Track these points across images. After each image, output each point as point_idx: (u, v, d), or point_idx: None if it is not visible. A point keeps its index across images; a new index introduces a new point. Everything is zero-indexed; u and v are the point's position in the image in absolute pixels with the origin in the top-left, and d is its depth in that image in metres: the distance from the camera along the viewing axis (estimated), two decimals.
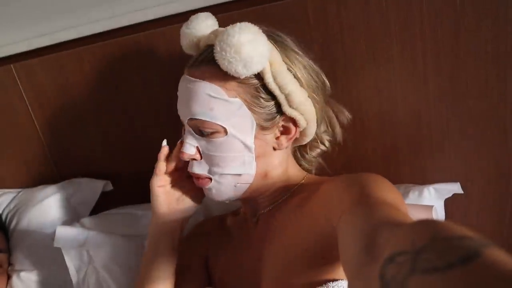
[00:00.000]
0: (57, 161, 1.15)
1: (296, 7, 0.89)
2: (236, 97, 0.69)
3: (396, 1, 0.86)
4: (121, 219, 1.01)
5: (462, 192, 0.90)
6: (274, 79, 0.69)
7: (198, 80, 0.70)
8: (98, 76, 1.04)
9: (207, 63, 0.70)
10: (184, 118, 0.73)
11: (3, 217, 1.13)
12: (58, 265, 0.98)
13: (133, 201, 1.11)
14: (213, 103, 0.69)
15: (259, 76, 0.69)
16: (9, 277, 1.01)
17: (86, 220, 1.02)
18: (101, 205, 1.12)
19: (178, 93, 0.74)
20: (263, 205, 0.79)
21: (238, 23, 0.66)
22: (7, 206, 1.15)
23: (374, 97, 0.93)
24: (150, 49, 1.00)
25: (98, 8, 1.02)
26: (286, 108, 0.71)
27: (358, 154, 0.97)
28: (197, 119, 0.70)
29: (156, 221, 0.80)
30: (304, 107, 0.72)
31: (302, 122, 0.74)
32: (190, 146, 0.73)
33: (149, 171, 1.10)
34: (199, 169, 0.74)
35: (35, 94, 1.09)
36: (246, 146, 0.72)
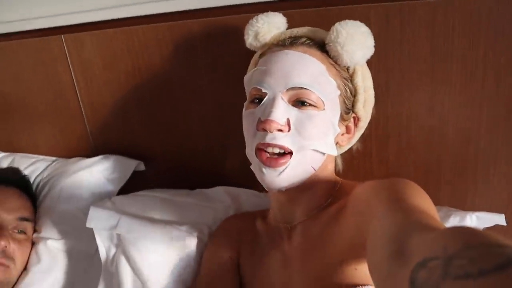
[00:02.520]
0: (94, 135, 1.16)
1: (358, 14, 0.87)
2: (334, 80, 0.74)
3: (463, 22, 0.83)
4: (152, 202, 1.01)
5: (505, 224, 0.88)
6: (362, 79, 0.78)
7: (308, 55, 0.73)
8: (145, 56, 1.04)
9: (310, 46, 0.75)
10: (280, 88, 0.71)
11: (35, 184, 1.15)
12: (85, 238, 0.99)
13: (163, 185, 1.11)
14: (321, 78, 0.72)
15: (348, 73, 0.77)
16: (33, 244, 1.02)
17: (118, 199, 1.02)
18: (131, 184, 1.13)
19: (269, 66, 0.73)
20: (301, 213, 0.77)
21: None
22: (40, 174, 1.16)
23: (424, 114, 0.91)
24: (200, 36, 0.99)
25: None
26: (360, 108, 0.78)
27: (399, 168, 0.96)
28: (304, 88, 0.71)
29: None
30: (370, 113, 0.81)
31: (363, 125, 0.82)
32: (281, 116, 0.70)
33: (183, 157, 1.11)
34: (284, 141, 0.70)
35: (81, 68, 1.09)
36: (333, 126, 0.74)
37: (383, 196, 0.60)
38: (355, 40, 0.73)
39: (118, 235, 0.91)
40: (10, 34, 1.13)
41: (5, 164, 1.19)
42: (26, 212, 1.03)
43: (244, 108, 0.78)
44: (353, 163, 0.96)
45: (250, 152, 0.75)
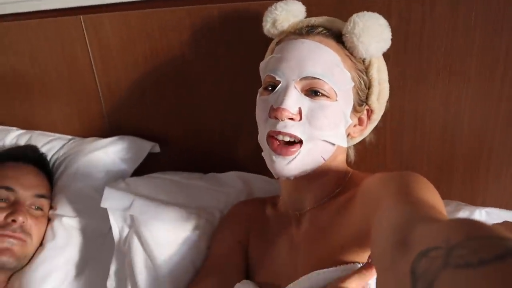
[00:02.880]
0: (110, 116, 1.18)
1: (379, 6, 0.86)
2: (349, 71, 0.74)
3: (486, 20, 0.82)
4: (165, 185, 1.03)
5: None
6: (378, 72, 0.77)
7: (323, 45, 0.73)
8: (163, 40, 1.04)
9: (326, 36, 0.75)
10: (293, 77, 0.72)
11: (51, 162, 1.17)
12: (99, 217, 1.01)
13: (176, 168, 1.13)
14: (335, 69, 0.72)
15: (364, 65, 0.77)
16: (49, 220, 1.05)
17: (131, 181, 1.04)
18: (146, 166, 1.15)
19: (285, 53, 0.74)
20: (310, 201, 0.79)
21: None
22: (56, 152, 1.19)
23: (440, 111, 0.91)
24: (219, 21, 0.99)
25: None
26: (374, 100, 0.78)
27: (412, 161, 0.96)
28: (317, 78, 0.71)
29: None
30: (384, 105, 0.81)
31: (376, 117, 0.81)
32: (293, 105, 0.71)
33: (197, 141, 1.12)
34: (295, 129, 0.71)
35: (99, 49, 1.10)
36: (345, 117, 0.75)
37: (391, 188, 0.61)
38: (372, 32, 0.73)
39: (131, 216, 0.93)
40: (28, 13, 1.13)
41: (23, 142, 1.21)
42: (43, 189, 1.06)
43: (258, 94, 0.79)
44: (367, 155, 0.96)
45: (261, 138, 0.76)
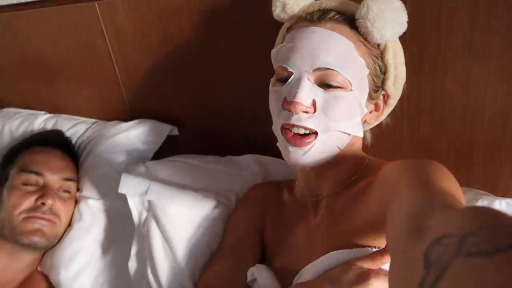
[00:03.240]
0: (129, 99, 1.20)
1: None
2: (363, 58, 0.71)
3: None
4: (183, 168, 1.05)
5: None
6: (394, 56, 0.74)
7: (335, 32, 0.70)
8: (176, 24, 1.04)
9: (338, 22, 0.72)
10: (306, 68, 0.70)
11: (76, 145, 1.22)
12: (122, 199, 1.04)
13: (195, 150, 1.15)
14: (349, 58, 0.70)
15: (379, 50, 0.74)
16: (76, 202, 1.11)
17: (150, 164, 1.07)
18: (165, 149, 1.18)
19: (296, 43, 0.71)
20: (327, 187, 0.78)
21: None
22: (81, 135, 1.23)
23: (460, 92, 0.86)
24: (232, 5, 0.97)
25: None
26: (390, 85, 0.76)
27: (430, 146, 0.93)
28: (330, 69, 0.69)
29: None
30: (401, 90, 0.79)
31: (393, 102, 0.79)
32: (307, 97, 0.69)
33: (214, 123, 1.13)
34: (309, 122, 0.70)
35: (115, 34, 1.11)
36: (360, 107, 0.73)
37: (409, 176, 0.60)
38: (386, 17, 0.70)
39: (149, 200, 0.96)
40: (47, 0, 1.15)
41: (50, 126, 1.26)
42: (70, 172, 1.11)
43: (271, 84, 0.77)
44: (383, 138, 0.94)
45: (276, 129, 0.76)
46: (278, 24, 0.84)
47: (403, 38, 0.76)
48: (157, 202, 0.94)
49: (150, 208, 0.96)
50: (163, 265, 0.92)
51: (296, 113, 0.69)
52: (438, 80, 0.87)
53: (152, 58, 1.11)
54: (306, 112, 0.70)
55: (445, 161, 0.92)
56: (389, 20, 0.70)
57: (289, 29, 0.77)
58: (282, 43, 0.78)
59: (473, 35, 0.81)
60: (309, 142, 0.71)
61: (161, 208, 0.94)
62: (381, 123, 0.85)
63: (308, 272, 0.69)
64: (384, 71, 0.75)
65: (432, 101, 0.89)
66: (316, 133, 0.70)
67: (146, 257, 0.96)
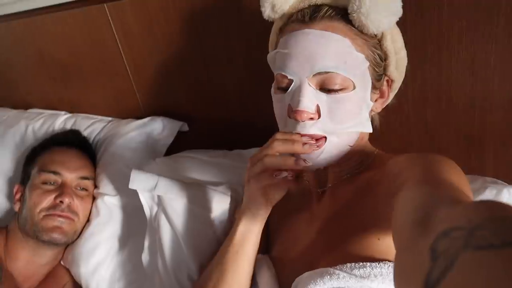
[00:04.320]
0: (142, 97, 1.23)
1: None
2: (361, 52, 0.69)
3: None
4: (191, 164, 1.07)
5: None
6: (392, 42, 0.72)
7: (329, 32, 0.68)
8: (180, 22, 1.06)
9: (331, 18, 0.69)
10: (305, 74, 0.68)
11: (94, 143, 1.26)
12: (137, 194, 1.08)
13: (204, 145, 1.17)
14: (347, 56, 0.68)
15: (376, 38, 0.71)
16: (94, 199, 1.15)
17: (160, 160, 1.10)
18: (175, 144, 1.20)
19: (292, 49, 0.69)
20: (333, 177, 0.78)
21: None
22: (97, 134, 1.27)
23: (467, 78, 0.83)
24: (231, 2, 0.98)
25: None
26: (392, 70, 0.74)
27: (439, 134, 0.91)
28: (330, 72, 0.67)
29: (251, 212, 0.77)
30: (404, 72, 0.77)
31: (397, 85, 0.78)
32: (310, 104, 0.68)
33: (221, 118, 1.14)
34: (315, 129, 0.68)
35: (125, 34, 1.14)
36: (366, 102, 0.71)
37: (416, 170, 0.59)
38: (380, 8, 0.67)
39: (158, 196, 0.99)
40: (60, 4, 1.19)
41: (69, 124, 1.31)
42: (87, 171, 1.15)
43: (272, 90, 0.76)
44: (390, 125, 0.92)
45: None
46: None
47: (403, 24, 0.74)
48: (165, 197, 0.97)
49: (160, 202, 0.98)
50: (172, 257, 0.94)
51: (302, 121, 0.68)
52: (442, 65, 0.84)
53: (159, 56, 1.13)
54: (311, 118, 0.68)
55: (454, 147, 0.90)
56: (383, 10, 0.67)
57: (282, 31, 0.76)
58: (276, 44, 0.77)
59: (478, 16, 0.78)
60: (319, 146, 0.69)
61: (169, 202, 0.96)
62: (387, 105, 0.83)
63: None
64: (384, 58, 0.73)
65: (437, 86, 0.86)
66: (325, 137, 0.70)
67: (157, 250, 0.98)
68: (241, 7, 0.97)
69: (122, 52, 1.17)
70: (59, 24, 1.21)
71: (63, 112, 1.37)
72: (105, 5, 1.12)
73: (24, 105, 1.44)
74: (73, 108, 1.36)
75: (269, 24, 0.88)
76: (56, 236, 1.05)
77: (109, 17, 1.13)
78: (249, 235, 0.78)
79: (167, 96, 1.19)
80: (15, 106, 1.45)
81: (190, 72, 1.11)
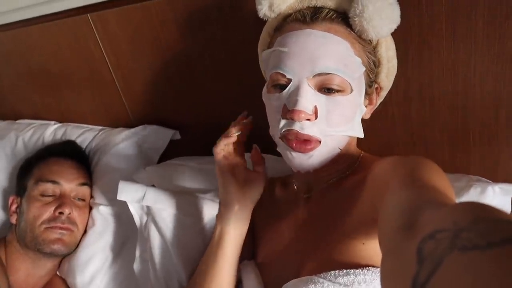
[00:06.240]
0: (130, 106, 1.23)
1: None
2: (359, 57, 0.70)
3: None
4: (180, 171, 1.08)
5: None
6: (386, 50, 0.73)
7: (331, 34, 0.68)
8: (164, 31, 1.05)
9: (332, 20, 0.70)
10: (306, 74, 0.68)
11: (86, 152, 1.26)
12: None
13: (195, 152, 1.17)
14: (347, 59, 0.68)
15: (371, 45, 0.73)
16: (90, 209, 1.15)
17: (150, 169, 1.11)
18: (168, 152, 1.21)
19: (292, 47, 0.68)
20: (319, 181, 0.78)
21: None
22: (89, 143, 1.28)
23: (448, 77, 0.84)
24: (214, 8, 0.98)
25: None
26: (383, 78, 0.75)
27: (424, 134, 0.91)
28: (330, 73, 0.67)
29: (228, 210, 0.81)
30: (392, 81, 0.78)
31: (384, 94, 0.79)
32: (308, 104, 0.68)
33: (210, 125, 1.14)
34: (312, 130, 0.68)
35: (110, 44, 1.14)
36: (360, 107, 0.72)
37: (400, 173, 0.60)
38: (383, 15, 0.67)
39: (147, 206, 0.99)
40: (46, 16, 1.19)
41: (59, 134, 1.31)
42: (84, 178, 1.15)
43: (265, 90, 0.75)
44: (377, 127, 0.93)
45: (275, 136, 0.74)
46: (260, 22, 0.81)
47: None
48: (154, 207, 0.97)
49: (150, 212, 0.99)
50: (162, 266, 0.96)
51: (299, 121, 0.68)
52: (424, 66, 0.84)
53: (146, 66, 1.13)
54: (308, 119, 0.68)
55: (439, 148, 0.91)
56: (385, 18, 0.68)
57: (278, 30, 0.75)
58: (270, 43, 0.76)
59: (455, 18, 0.78)
60: (312, 148, 0.70)
61: (158, 212, 0.97)
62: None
63: None
64: (377, 65, 0.74)
65: (419, 86, 0.86)
66: (319, 140, 0.70)
67: (148, 259, 0.99)
68: (227, 14, 0.97)
69: (108, 61, 1.17)
70: (45, 35, 1.21)
71: (52, 122, 1.37)
72: (88, 15, 1.11)
73: (14, 116, 1.44)
74: (63, 118, 1.37)
75: (255, 30, 0.89)
76: (57, 247, 1.06)
77: (93, 27, 1.13)
78: (226, 236, 0.79)
79: (156, 105, 1.19)
80: (4, 117, 1.45)
81: (177, 79, 1.11)
